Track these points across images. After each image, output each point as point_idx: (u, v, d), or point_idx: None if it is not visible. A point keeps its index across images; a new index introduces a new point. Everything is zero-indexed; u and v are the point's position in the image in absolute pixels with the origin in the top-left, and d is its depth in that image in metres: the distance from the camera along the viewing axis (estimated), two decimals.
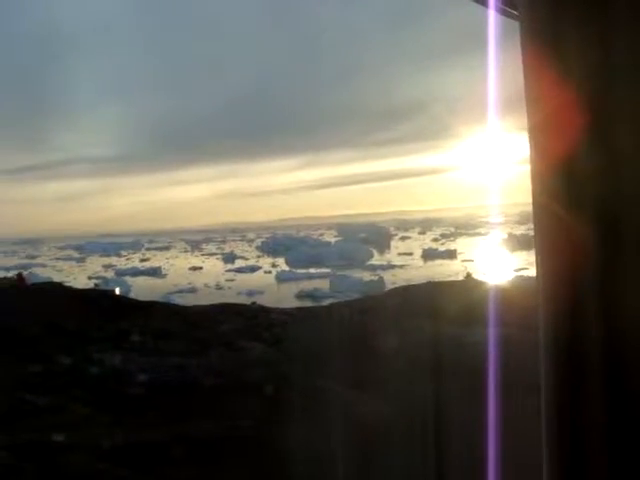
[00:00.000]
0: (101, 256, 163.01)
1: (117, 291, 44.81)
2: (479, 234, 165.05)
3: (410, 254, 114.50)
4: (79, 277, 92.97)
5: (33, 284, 35.65)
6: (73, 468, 12.23)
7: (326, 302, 41.34)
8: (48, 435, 14.60)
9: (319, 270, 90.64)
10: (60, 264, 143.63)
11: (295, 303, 52.41)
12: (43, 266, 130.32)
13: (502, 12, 1.59)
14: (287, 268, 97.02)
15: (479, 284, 29.48)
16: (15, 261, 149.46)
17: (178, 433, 13.99)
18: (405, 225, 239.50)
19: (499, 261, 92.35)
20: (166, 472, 12.26)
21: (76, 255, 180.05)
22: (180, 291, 71.22)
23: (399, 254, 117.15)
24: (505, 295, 26.45)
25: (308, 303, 52.24)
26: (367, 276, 75.55)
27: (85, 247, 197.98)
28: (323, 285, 68.77)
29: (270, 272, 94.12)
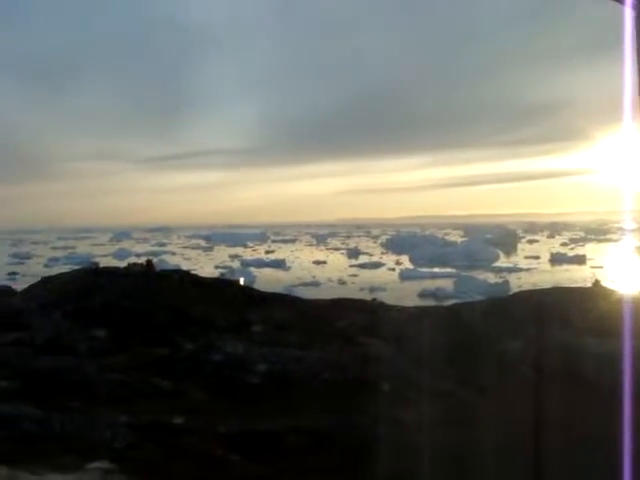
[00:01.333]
0: (228, 246, 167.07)
1: (242, 281, 45.62)
2: (610, 240, 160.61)
3: (537, 257, 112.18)
4: (206, 266, 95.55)
5: (161, 271, 36.59)
6: (189, 451, 12.51)
7: (449, 302, 40.82)
8: (168, 417, 15.00)
9: (443, 270, 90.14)
10: (188, 252, 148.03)
11: (417, 302, 52.16)
12: (172, 254, 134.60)
13: (636, 8, 1.48)
14: (411, 266, 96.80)
15: (608, 292, 28.44)
16: (146, 248, 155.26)
17: (293, 424, 14.11)
18: (533, 228, 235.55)
19: (630, 269, 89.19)
20: (279, 462, 12.37)
21: (204, 244, 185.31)
22: (303, 284, 72.03)
23: (526, 257, 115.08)
24: (635, 305, 25.53)
25: (431, 302, 51.93)
26: (492, 278, 74.65)
27: (213, 237, 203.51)
28: (447, 285, 68.17)
29: (394, 269, 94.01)
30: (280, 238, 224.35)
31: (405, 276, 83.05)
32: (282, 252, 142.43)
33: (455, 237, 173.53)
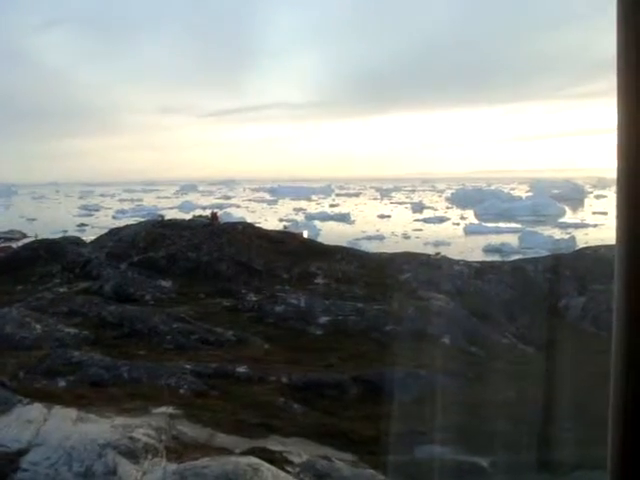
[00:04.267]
0: (292, 199, 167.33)
1: (305, 234, 45.77)
2: None
3: (605, 213, 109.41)
4: (270, 219, 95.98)
5: (226, 223, 36.95)
6: (252, 399, 12.75)
7: (513, 258, 40.36)
8: (232, 366, 15.29)
9: (508, 225, 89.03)
10: (253, 205, 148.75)
11: (482, 257, 51.66)
12: (237, 207, 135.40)
13: None
14: (476, 221, 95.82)
15: None
16: (212, 200, 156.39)
17: (353, 374, 14.27)
18: (602, 183, 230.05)
19: None
20: (340, 411, 12.55)
21: (268, 197, 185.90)
22: (367, 238, 71.94)
23: (593, 213, 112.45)
24: None
25: (495, 258, 51.30)
26: (558, 234, 73.49)
27: (278, 190, 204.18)
28: (512, 240, 67.40)
29: (458, 224, 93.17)
30: (344, 192, 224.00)
31: (470, 231, 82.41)
32: (346, 206, 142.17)
33: (521, 192, 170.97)
